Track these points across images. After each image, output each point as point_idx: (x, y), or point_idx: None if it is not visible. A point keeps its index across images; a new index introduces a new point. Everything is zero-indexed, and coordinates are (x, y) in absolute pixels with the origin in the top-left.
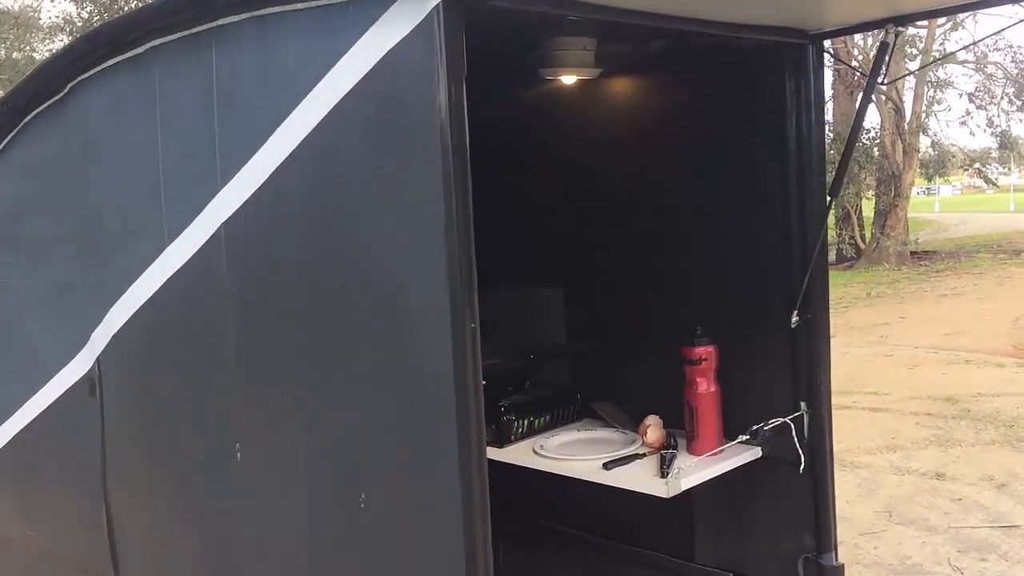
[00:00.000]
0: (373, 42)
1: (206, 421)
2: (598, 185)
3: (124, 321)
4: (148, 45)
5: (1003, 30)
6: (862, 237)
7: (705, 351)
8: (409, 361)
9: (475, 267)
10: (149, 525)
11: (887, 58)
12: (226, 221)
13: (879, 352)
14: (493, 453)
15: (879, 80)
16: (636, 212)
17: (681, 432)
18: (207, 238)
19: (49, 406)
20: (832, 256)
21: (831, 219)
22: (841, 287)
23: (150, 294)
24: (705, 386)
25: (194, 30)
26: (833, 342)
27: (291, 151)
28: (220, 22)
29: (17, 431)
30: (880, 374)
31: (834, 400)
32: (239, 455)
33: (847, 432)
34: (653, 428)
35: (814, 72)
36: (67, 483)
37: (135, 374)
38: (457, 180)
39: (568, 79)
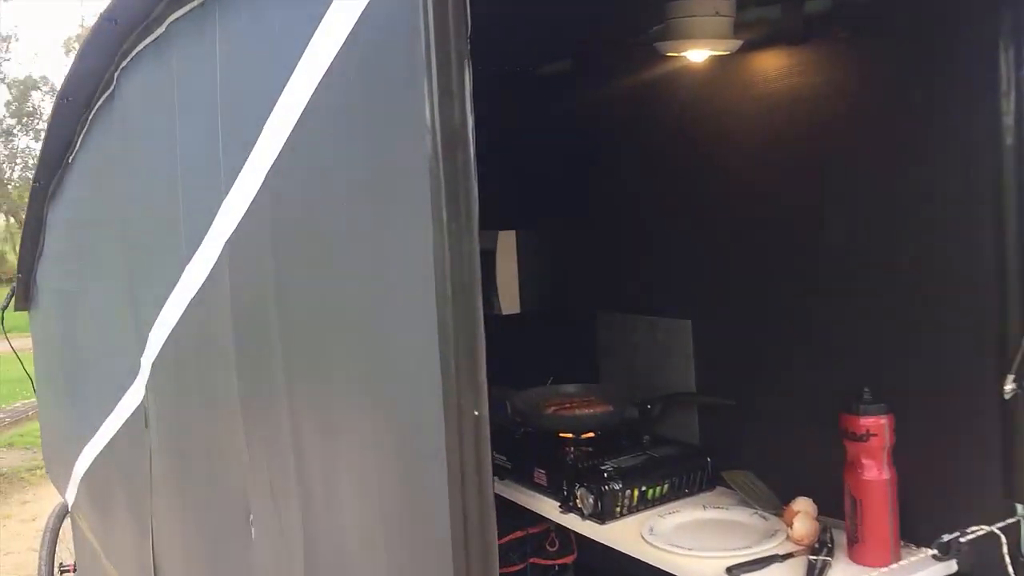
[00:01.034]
0: None
1: (224, 480)
2: (740, 191)
3: (158, 350)
4: (168, 21)
5: None
6: None
7: (875, 423)
8: (400, 457)
9: (481, 325)
10: None
11: None
12: (229, 239)
13: None
14: (592, 531)
15: None
16: (789, 227)
17: (841, 524)
18: (215, 260)
19: (116, 432)
20: None
21: None
22: None
23: (174, 322)
24: (875, 471)
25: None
26: None
27: (280, 149)
28: None
29: (96, 455)
30: None
31: None
32: (253, 530)
33: None
34: (802, 518)
35: None
36: (129, 517)
37: (168, 411)
38: (452, 194)
39: (696, 55)
